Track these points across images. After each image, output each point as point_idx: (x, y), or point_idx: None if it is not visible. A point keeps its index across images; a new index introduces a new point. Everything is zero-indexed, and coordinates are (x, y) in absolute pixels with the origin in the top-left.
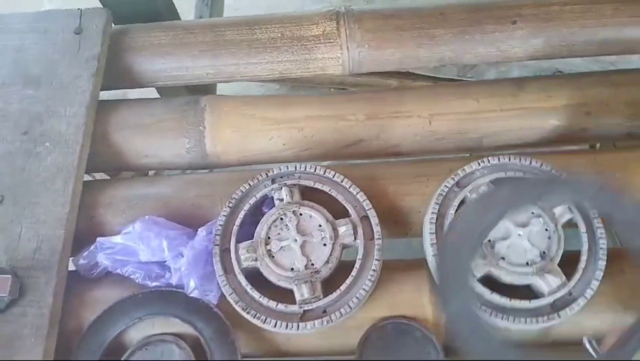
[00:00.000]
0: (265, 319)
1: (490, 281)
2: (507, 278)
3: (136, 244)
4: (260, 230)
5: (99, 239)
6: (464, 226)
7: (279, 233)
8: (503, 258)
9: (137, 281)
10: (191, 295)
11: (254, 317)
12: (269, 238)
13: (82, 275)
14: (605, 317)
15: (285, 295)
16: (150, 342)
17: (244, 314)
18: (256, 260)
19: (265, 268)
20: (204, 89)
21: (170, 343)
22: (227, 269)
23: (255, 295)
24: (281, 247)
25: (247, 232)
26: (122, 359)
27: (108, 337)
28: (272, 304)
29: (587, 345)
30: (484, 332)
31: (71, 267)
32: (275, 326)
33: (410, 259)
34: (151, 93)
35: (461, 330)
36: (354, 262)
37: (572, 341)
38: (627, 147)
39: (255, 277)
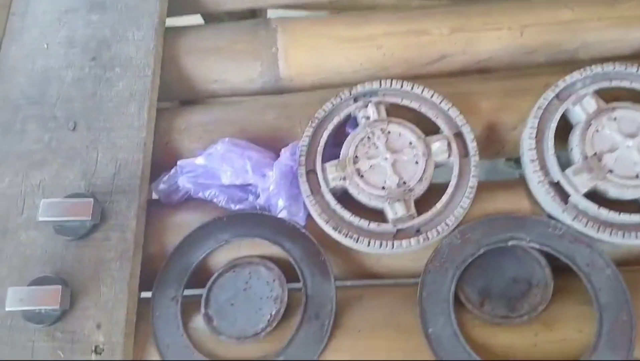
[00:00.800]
0: (358, 238)
1: (596, 196)
2: (614, 192)
3: (219, 165)
4: (347, 149)
5: (180, 162)
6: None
7: (367, 152)
8: (611, 171)
9: (220, 205)
10: (279, 216)
11: (346, 236)
12: (356, 157)
13: (163, 202)
14: None
15: (375, 217)
16: (238, 264)
17: (335, 234)
18: (344, 179)
19: (354, 187)
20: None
21: (258, 265)
22: (314, 190)
23: (346, 214)
24: (371, 165)
25: (330, 153)
26: (211, 281)
27: (194, 260)
28: (363, 223)
29: None
30: (465, 354)
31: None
32: (368, 245)
33: (505, 179)
34: None
35: (442, 353)
36: (446, 183)
37: None
38: None
39: (343, 199)
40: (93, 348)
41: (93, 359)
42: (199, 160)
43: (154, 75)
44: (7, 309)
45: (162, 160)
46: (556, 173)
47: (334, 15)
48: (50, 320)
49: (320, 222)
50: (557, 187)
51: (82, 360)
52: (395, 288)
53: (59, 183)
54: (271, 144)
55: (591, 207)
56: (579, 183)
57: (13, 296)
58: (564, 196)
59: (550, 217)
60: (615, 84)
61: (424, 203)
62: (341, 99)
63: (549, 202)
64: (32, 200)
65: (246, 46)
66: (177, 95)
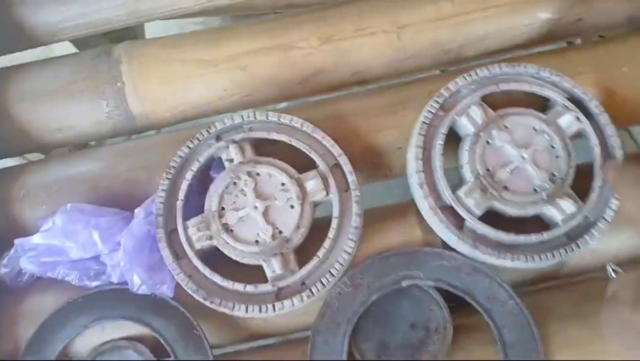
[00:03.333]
0: (234, 305)
1: (493, 216)
2: (513, 211)
3: (61, 242)
4: (211, 202)
5: (17, 241)
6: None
7: (234, 202)
8: (506, 188)
9: (73, 283)
10: (139, 292)
11: (220, 305)
12: (222, 209)
13: (9, 286)
14: (628, 240)
15: (255, 274)
16: (103, 351)
17: (207, 303)
18: (211, 238)
19: (224, 245)
20: (128, 35)
21: (127, 349)
22: (179, 254)
23: (217, 279)
24: (239, 218)
25: (196, 206)
26: None
27: (50, 354)
28: (239, 287)
29: (611, 273)
30: None
31: None
32: (247, 311)
33: (394, 204)
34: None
35: None
36: (330, 220)
37: (587, 270)
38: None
39: (215, 258)
40: None
41: None
42: (36, 239)
43: None
44: None
45: (7, 235)
46: (448, 197)
47: (187, 34)
48: None
49: (189, 291)
50: (450, 211)
51: None
52: (285, 349)
53: None
54: (128, 202)
55: (489, 231)
56: (472, 205)
57: None
58: (459, 221)
59: (446, 245)
60: (503, 87)
61: (306, 249)
62: (199, 140)
63: (443, 229)
64: None
65: (88, 84)
66: (18, 150)
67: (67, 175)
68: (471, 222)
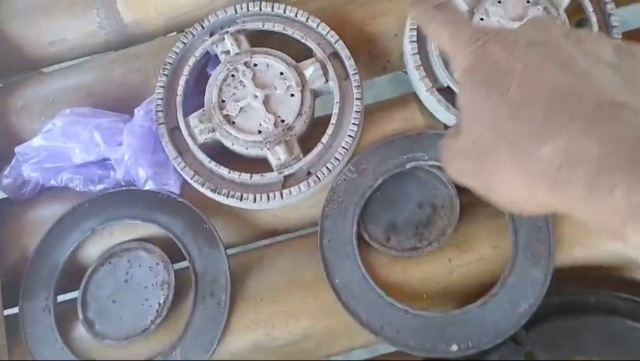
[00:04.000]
0: (242, 195)
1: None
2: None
3: (63, 143)
4: (211, 94)
5: (17, 148)
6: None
7: (233, 94)
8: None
9: (77, 189)
10: (146, 189)
11: (228, 196)
12: (222, 101)
13: (13, 198)
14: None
15: (260, 166)
16: (113, 254)
17: (215, 196)
18: (214, 130)
19: (227, 137)
20: None
21: (137, 250)
22: (182, 149)
23: (223, 171)
24: (240, 108)
25: (195, 105)
26: (85, 280)
27: (60, 259)
28: (245, 177)
29: None
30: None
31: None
32: (255, 201)
33: (395, 97)
34: None
35: (352, 302)
36: (330, 116)
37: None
38: None
39: (218, 155)
40: None
41: None
42: (37, 141)
43: None
44: None
45: (3, 149)
46: (444, 77)
47: None
48: None
49: (196, 185)
50: (448, 92)
51: None
52: (297, 241)
53: None
54: (125, 106)
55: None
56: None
57: None
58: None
59: (447, 128)
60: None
61: (309, 140)
62: (194, 35)
63: (442, 110)
64: None
65: None
66: (11, 70)
67: (64, 85)
68: None
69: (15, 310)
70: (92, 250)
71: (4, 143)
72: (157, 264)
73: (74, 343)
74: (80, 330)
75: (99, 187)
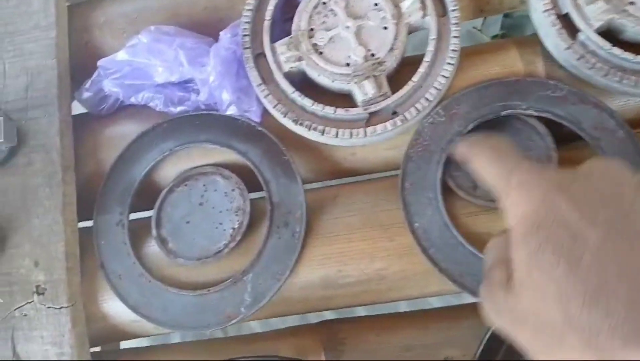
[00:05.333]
0: (324, 129)
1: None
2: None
3: (147, 60)
4: (300, 21)
5: (100, 61)
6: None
7: (324, 22)
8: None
9: (157, 109)
10: (227, 113)
11: (310, 129)
12: (312, 30)
13: (91, 113)
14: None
15: (342, 102)
16: (189, 176)
17: (297, 127)
18: (300, 59)
19: (313, 67)
20: None
21: (213, 175)
22: (266, 77)
23: (307, 102)
24: (330, 38)
25: (280, 32)
26: (160, 199)
27: (137, 177)
28: (329, 111)
29: None
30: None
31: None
32: (337, 136)
33: (492, 42)
34: None
35: (431, 249)
36: (421, 55)
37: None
38: None
39: (299, 84)
40: (34, 289)
41: (36, 300)
42: (121, 55)
43: None
44: None
45: (85, 63)
46: (566, 3)
47: None
48: None
49: (277, 115)
50: (564, 20)
51: (24, 303)
52: (374, 183)
53: None
54: (208, 30)
55: (603, 45)
56: (592, 15)
57: None
58: (571, 31)
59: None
60: None
61: (397, 79)
62: None
63: (553, 36)
64: None
65: None
66: None
67: (148, 4)
68: (586, 33)
69: (86, 223)
70: (168, 171)
71: (85, 57)
72: (233, 190)
73: (145, 259)
74: (151, 248)
75: (179, 108)
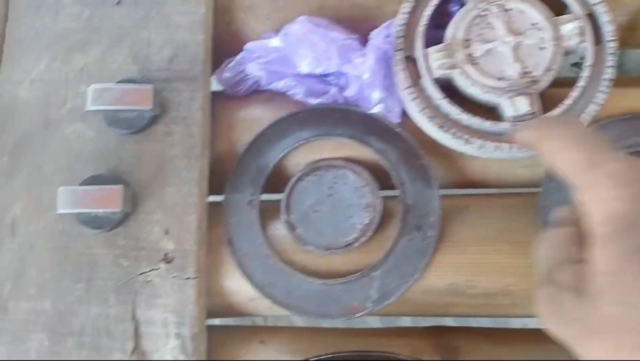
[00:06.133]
0: (469, 139)
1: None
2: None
3: (297, 49)
4: (456, 30)
5: (248, 45)
6: None
7: (481, 34)
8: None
9: (295, 98)
10: (372, 111)
11: (454, 137)
12: (466, 40)
13: (228, 93)
14: None
15: (481, 113)
16: (320, 167)
17: (440, 134)
18: (453, 67)
19: (464, 77)
20: None
21: (343, 169)
22: (413, 81)
23: (453, 110)
24: (486, 50)
25: (430, 39)
26: (291, 185)
27: (271, 160)
28: (475, 121)
29: None
30: None
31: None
32: (480, 148)
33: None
34: None
35: None
36: (569, 78)
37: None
38: None
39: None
40: (162, 256)
41: (163, 268)
42: (274, 42)
43: None
44: (60, 211)
45: (223, 43)
46: None
47: None
48: (111, 225)
49: (423, 119)
50: None
51: (149, 269)
52: (507, 198)
53: (106, 68)
54: (354, 26)
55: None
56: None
57: (66, 196)
58: None
59: None
60: None
61: (545, 99)
62: None
63: None
64: (76, 87)
65: None
66: None
67: None
68: None
69: (214, 198)
70: (300, 159)
71: (225, 38)
72: (363, 187)
73: (273, 240)
74: (279, 232)
75: (317, 100)
